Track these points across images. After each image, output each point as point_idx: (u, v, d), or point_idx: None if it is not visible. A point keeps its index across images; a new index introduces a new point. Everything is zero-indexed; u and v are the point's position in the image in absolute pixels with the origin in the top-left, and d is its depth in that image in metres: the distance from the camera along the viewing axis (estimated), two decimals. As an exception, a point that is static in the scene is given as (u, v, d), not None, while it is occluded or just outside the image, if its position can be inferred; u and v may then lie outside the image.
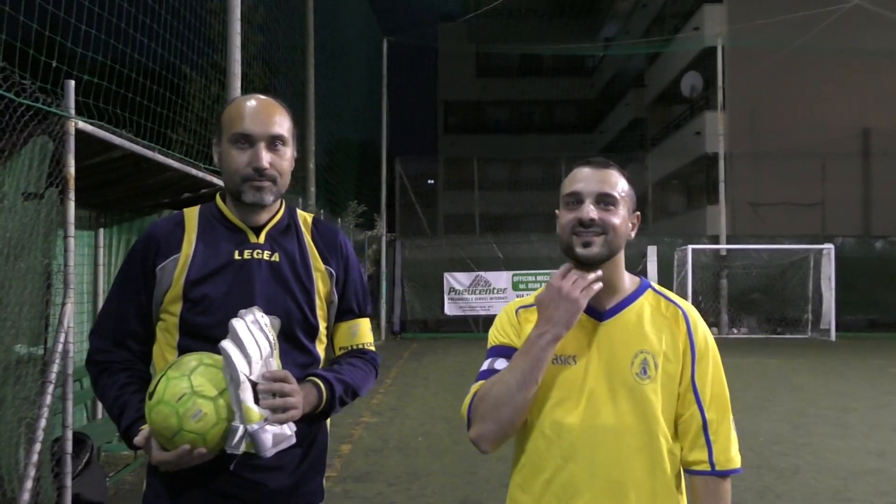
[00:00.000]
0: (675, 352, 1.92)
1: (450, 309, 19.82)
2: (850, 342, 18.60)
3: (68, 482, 4.41)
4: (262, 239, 2.11)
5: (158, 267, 2.04)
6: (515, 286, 19.58)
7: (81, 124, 4.58)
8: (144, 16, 6.14)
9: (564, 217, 1.95)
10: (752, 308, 20.45)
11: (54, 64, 4.48)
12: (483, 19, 32.01)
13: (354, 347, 2.24)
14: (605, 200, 1.93)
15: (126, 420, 1.94)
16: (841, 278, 19.31)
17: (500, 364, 2.00)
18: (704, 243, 20.95)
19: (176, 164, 6.16)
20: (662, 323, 1.96)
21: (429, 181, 27.35)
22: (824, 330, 19.23)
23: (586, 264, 1.92)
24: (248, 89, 15.44)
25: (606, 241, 1.91)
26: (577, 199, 1.94)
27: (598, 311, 1.97)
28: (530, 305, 2.05)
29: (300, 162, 14.92)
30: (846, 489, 6.16)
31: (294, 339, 2.08)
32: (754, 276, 20.40)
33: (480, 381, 1.97)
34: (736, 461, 1.94)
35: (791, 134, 23.88)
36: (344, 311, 2.23)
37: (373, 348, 2.29)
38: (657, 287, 2.05)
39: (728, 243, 20.77)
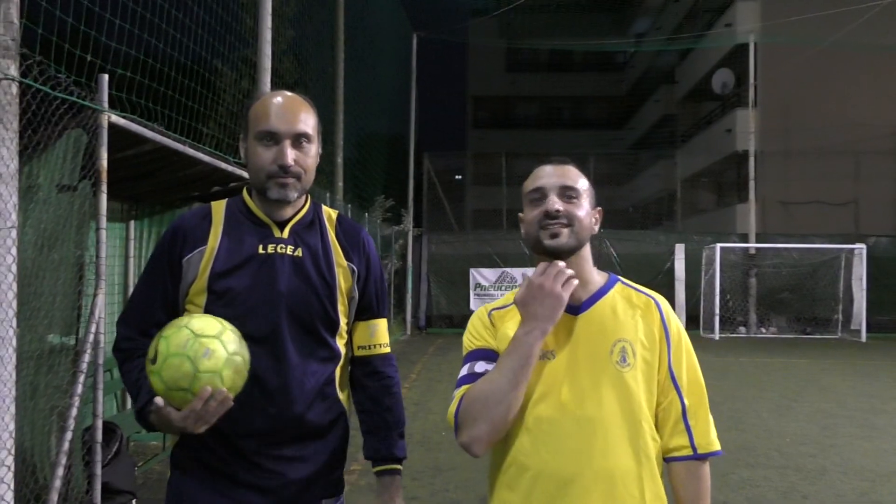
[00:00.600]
0: (650, 340, 1.97)
1: (475, 305, 19.80)
2: (881, 343, 18.35)
3: (98, 470, 4.49)
4: (285, 234, 2.15)
5: (185, 259, 2.09)
6: (542, 282, 19.49)
7: (114, 118, 4.64)
8: (177, 10, 6.21)
9: (529, 214, 2.02)
10: (782, 307, 20.25)
11: (88, 58, 4.54)
12: (513, 14, 31.95)
13: (372, 347, 2.29)
14: (568, 193, 1.99)
15: (141, 400, 1.97)
16: (873, 278, 19.07)
17: (480, 367, 2.02)
18: (734, 241, 20.77)
19: (206, 158, 6.22)
20: (636, 312, 2.00)
21: (456, 176, 27.33)
22: (855, 331, 19.00)
23: (555, 256, 1.96)
24: (278, 84, 15.51)
25: (573, 231, 1.96)
26: (541, 195, 2.00)
27: (572, 306, 1.99)
28: (504, 307, 2.10)
29: (328, 156, 15.01)
30: (873, 491, 6.10)
31: (315, 333, 2.12)
32: (784, 276, 20.19)
33: (464, 386, 1.99)
34: (716, 443, 1.98)
35: (823, 132, 23.57)
36: (363, 309, 2.27)
37: (388, 349, 2.34)
38: (625, 280, 2.10)
39: (758, 242, 20.57)
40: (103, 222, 4.63)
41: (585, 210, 2.00)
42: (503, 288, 19.68)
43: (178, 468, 2.10)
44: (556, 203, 1.96)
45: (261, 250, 2.10)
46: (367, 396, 2.28)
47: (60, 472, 4.15)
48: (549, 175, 2.03)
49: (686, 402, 1.97)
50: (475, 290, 19.82)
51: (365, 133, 18.02)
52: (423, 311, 20.42)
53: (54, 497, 4.11)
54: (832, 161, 23.66)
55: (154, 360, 1.82)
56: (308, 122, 2.11)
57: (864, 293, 18.85)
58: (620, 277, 2.10)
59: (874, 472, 6.63)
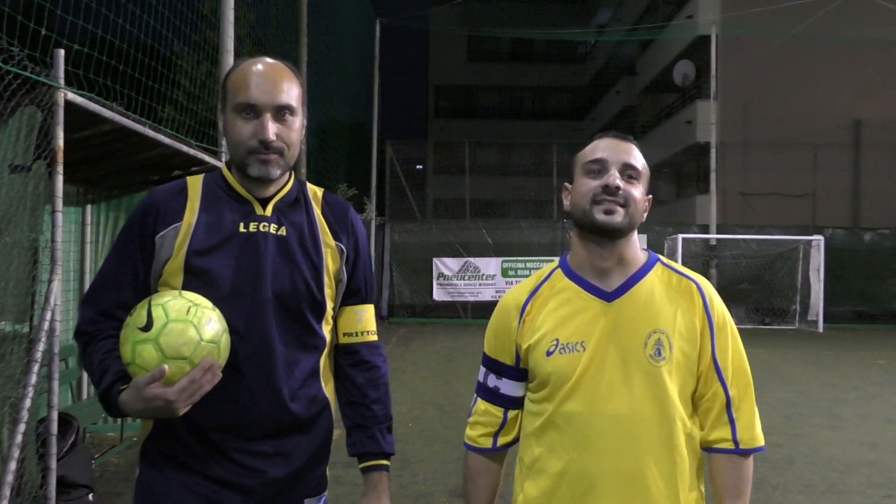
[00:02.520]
0: (690, 330, 1.82)
1: (438, 294, 19.71)
2: (838, 333, 18.62)
3: (53, 464, 4.29)
4: (268, 211, 1.98)
5: (158, 235, 1.91)
6: (505, 273, 19.48)
7: (71, 95, 4.43)
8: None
9: (585, 184, 1.86)
10: (741, 298, 20.43)
11: (43, 31, 4.32)
12: (475, 3, 31.83)
13: (359, 334, 2.14)
14: (629, 172, 1.86)
15: (107, 380, 1.79)
16: (830, 269, 19.33)
17: (492, 381, 1.97)
18: (694, 232, 20.91)
19: (167, 140, 6.02)
20: (675, 298, 1.86)
21: (417, 166, 27.18)
22: (812, 321, 19.25)
23: (604, 235, 1.83)
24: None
25: (628, 213, 1.83)
26: (601, 167, 1.86)
27: (604, 291, 1.86)
28: (537, 289, 1.96)
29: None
30: (841, 481, 6.11)
31: (300, 318, 1.97)
32: (743, 266, 20.38)
33: (479, 401, 2.00)
34: (760, 439, 1.87)
35: (782, 124, 23.86)
36: (351, 293, 2.12)
37: (376, 337, 2.20)
38: (666, 260, 1.95)
39: (718, 233, 20.74)
40: (59, 205, 4.41)
41: (642, 193, 1.87)
42: (466, 278, 19.59)
43: (148, 464, 1.93)
44: (617, 178, 1.82)
45: (242, 229, 1.94)
46: (353, 388, 2.13)
47: (13, 465, 3.95)
48: (611, 148, 1.88)
49: (731, 393, 1.85)
50: (438, 279, 19.71)
51: (327, 120, 17.78)
52: (386, 300, 20.25)
53: (6, 491, 3.92)
54: (791, 153, 23.96)
55: (147, 327, 1.67)
56: (291, 92, 1.93)
57: (822, 284, 19.10)
58: (661, 257, 1.96)
59: (842, 463, 6.66)
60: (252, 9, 15.48)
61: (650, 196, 1.94)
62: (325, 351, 2.06)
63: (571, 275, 1.92)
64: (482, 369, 2.02)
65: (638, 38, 32.70)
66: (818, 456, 6.87)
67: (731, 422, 1.83)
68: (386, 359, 2.22)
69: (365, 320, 2.15)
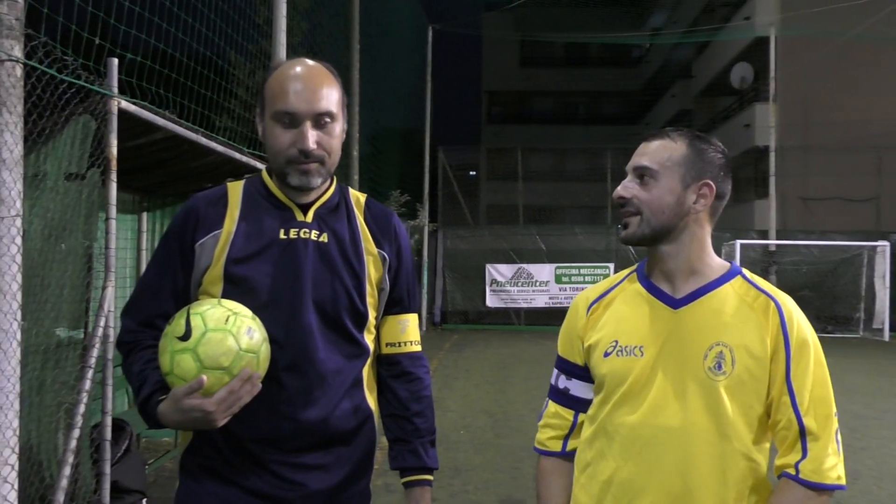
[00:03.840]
0: (761, 348, 1.70)
1: (491, 301, 19.59)
2: (904, 342, 18.04)
3: (107, 469, 4.33)
4: (309, 217, 1.94)
5: (198, 243, 1.88)
6: (558, 279, 19.29)
7: (124, 104, 4.48)
8: (190, -5, 6.04)
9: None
10: (802, 306, 19.16)
11: (97, 41, 4.37)
12: (528, 8, 31.67)
13: (402, 344, 2.08)
14: (642, 173, 1.77)
15: (146, 390, 1.76)
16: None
17: (563, 382, 1.92)
18: (753, 238, 20.46)
19: (219, 148, 6.07)
20: (748, 315, 1.74)
21: (471, 172, 27.13)
22: (877, 329, 18.66)
23: (632, 245, 1.80)
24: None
25: (643, 219, 1.74)
26: (626, 176, 1.82)
27: (672, 298, 1.77)
28: (606, 293, 1.90)
29: (344, 149, 14.82)
30: (910, 496, 5.88)
31: (341, 328, 1.91)
32: (804, 273, 19.86)
33: (551, 403, 1.96)
34: (829, 476, 1.67)
35: (845, 126, 23.18)
36: (393, 302, 2.07)
37: (419, 348, 2.13)
38: (749, 275, 1.83)
39: (777, 238, 20.26)
40: (113, 212, 4.47)
41: (662, 189, 1.74)
42: (519, 284, 19.44)
43: (187, 476, 1.90)
44: (619, 189, 1.76)
45: (282, 235, 1.90)
46: (395, 400, 2.07)
47: (67, 470, 3.99)
48: (638, 153, 1.80)
49: (805, 423, 1.69)
50: (491, 285, 19.60)
51: (380, 127, 17.85)
52: (439, 306, 20.22)
53: (61, 497, 3.96)
54: (853, 156, 23.28)
55: (186, 337, 1.63)
56: (331, 97, 1.88)
57: (888, 291, 18.51)
58: (745, 271, 1.84)
59: (909, 476, 6.40)
60: (305, 18, 15.66)
61: (705, 181, 1.77)
62: (369, 360, 2.01)
63: (643, 279, 1.86)
64: (555, 371, 1.97)
65: (694, 40, 32.19)
66: (885, 470, 6.61)
67: (804, 450, 1.69)
68: (429, 370, 2.15)
69: (408, 330, 2.09)
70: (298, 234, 1.91)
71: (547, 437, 1.96)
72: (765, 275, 19.73)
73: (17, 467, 3.39)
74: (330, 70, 1.94)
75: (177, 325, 1.67)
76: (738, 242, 18.93)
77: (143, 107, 4.75)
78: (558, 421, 1.94)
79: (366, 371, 2.00)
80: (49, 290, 4.15)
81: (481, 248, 20.10)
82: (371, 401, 2.02)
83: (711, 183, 1.78)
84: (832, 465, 1.69)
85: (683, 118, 35.85)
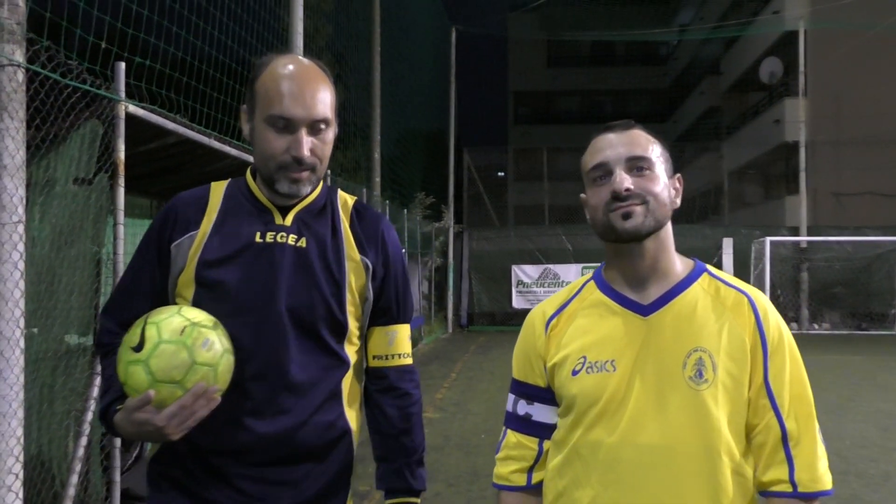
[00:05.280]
0: (739, 349, 1.57)
1: (518, 302, 19.47)
2: (941, 339, 17.66)
3: (117, 477, 4.29)
4: (288, 221, 1.83)
5: (174, 244, 1.80)
6: (585, 279, 19.11)
7: (132, 108, 4.45)
8: (200, -2, 6.01)
9: (595, 196, 1.65)
10: (835, 303, 19.58)
11: (103, 45, 4.34)
12: (553, 7, 31.54)
13: (389, 357, 1.95)
14: (639, 165, 1.62)
15: (107, 398, 1.69)
16: (930, 272, 18.37)
17: (523, 408, 1.75)
18: (783, 235, 20.14)
19: (234, 152, 6.03)
20: (722, 313, 1.60)
21: (498, 172, 27.02)
22: (912, 326, 18.32)
23: (632, 241, 1.62)
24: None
25: (649, 210, 1.60)
26: (605, 171, 1.64)
27: (640, 304, 1.64)
28: (564, 306, 1.74)
29: (366, 152, 14.82)
30: (944, 499, 5.68)
31: (318, 338, 1.80)
32: (837, 270, 19.52)
33: (510, 432, 1.78)
34: (825, 481, 1.56)
35: (877, 120, 22.73)
36: (380, 312, 1.94)
37: (409, 361, 1.99)
38: (714, 270, 1.70)
39: (809, 235, 19.92)
40: (121, 217, 4.43)
41: (662, 182, 1.63)
42: (546, 285, 19.31)
43: (152, 486, 1.81)
44: (625, 180, 1.59)
45: (259, 239, 1.79)
46: (381, 416, 1.94)
47: (75, 479, 3.96)
48: (612, 145, 1.64)
49: (787, 425, 1.56)
50: (517, 287, 19.49)
51: (404, 129, 17.82)
52: (465, 308, 20.14)
53: (70, 504, 3.93)
54: (886, 150, 22.82)
55: (139, 348, 1.55)
56: (327, 101, 1.78)
57: (922, 287, 18.15)
58: (709, 267, 1.71)
59: (944, 478, 6.20)
60: (328, 21, 15.66)
61: (678, 176, 1.71)
62: (350, 373, 1.89)
63: (605, 287, 1.71)
64: (511, 397, 1.79)
65: (722, 35, 31.81)
66: (918, 471, 6.42)
67: (789, 459, 1.56)
68: (419, 385, 2.01)
69: (396, 342, 1.96)
70: (276, 237, 1.81)
71: (509, 470, 1.78)
72: (796, 272, 19.45)
73: (21, 476, 3.35)
74: (324, 70, 1.84)
75: (132, 334, 1.59)
76: (768, 239, 18.65)
77: (151, 110, 4.72)
78: (521, 451, 1.77)
79: (346, 384, 1.87)
80: (57, 296, 4.12)
81: (507, 249, 20.00)
82: (351, 416, 1.89)
83: (680, 177, 1.72)
84: (825, 469, 1.58)
85: (712, 115, 35.49)
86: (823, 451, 1.60)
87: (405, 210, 14.65)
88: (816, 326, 19.63)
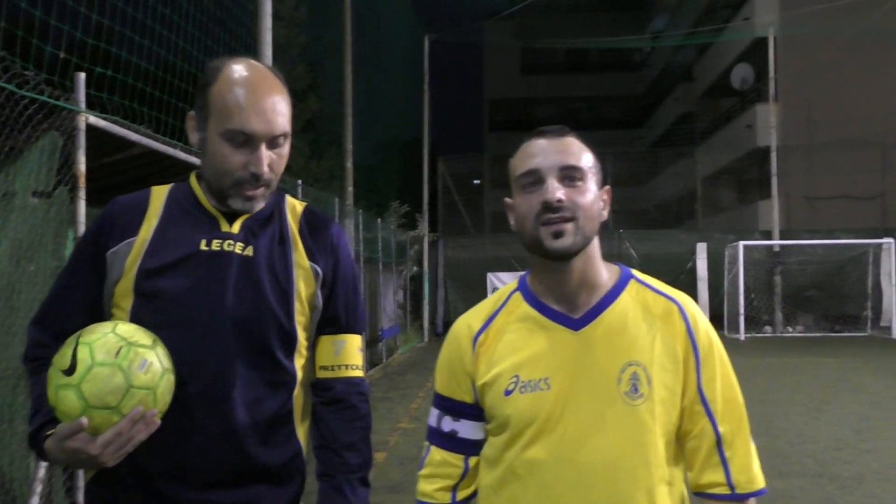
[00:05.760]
0: (672, 359, 1.54)
1: (494, 309, 19.43)
2: (913, 340, 17.85)
3: (80, 497, 4.20)
4: (236, 228, 1.73)
5: (110, 251, 1.69)
6: (561, 285, 19.13)
7: (93, 119, 4.36)
8: (164, 7, 5.93)
9: (524, 203, 1.57)
10: (808, 305, 19.76)
11: (62, 55, 4.26)
12: (528, 15, 31.66)
13: (336, 368, 1.83)
14: (571, 175, 1.55)
15: (36, 421, 1.58)
16: (902, 274, 18.58)
17: (447, 425, 1.68)
18: (757, 239, 20.31)
19: (199, 162, 5.96)
20: (653, 323, 1.56)
21: (474, 180, 27.00)
22: (885, 328, 18.50)
23: (560, 259, 1.56)
24: (291, 91, 15.27)
25: (577, 227, 1.52)
26: (536, 178, 1.55)
27: (570, 318, 1.58)
28: (492, 318, 1.67)
29: (338, 161, 14.76)
30: (917, 501, 5.70)
31: (266, 351, 1.70)
32: (810, 273, 19.72)
33: (433, 447, 1.70)
34: (759, 480, 1.57)
35: (847, 124, 23.01)
36: (328, 321, 1.83)
37: (359, 373, 1.86)
38: (641, 276, 1.65)
39: (782, 238, 20.10)
40: (82, 230, 4.34)
41: (592, 194, 1.56)
42: (522, 292, 19.29)
43: None
44: (557, 190, 1.52)
45: (204, 246, 1.69)
46: (325, 430, 1.81)
47: (36, 500, 3.86)
48: (544, 152, 1.56)
49: (721, 430, 1.55)
50: (493, 294, 19.47)
51: (379, 138, 17.79)
52: (441, 317, 20.09)
53: (31, 526, 3.84)
54: (857, 154, 23.12)
55: (70, 371, 1.45)
56: (286, 113, 1.69)
57: (894, 289, 18.33)
58: (635, 273, 1.66)
59: (916, 480, 6.23)
60: (303, 31, 15.59)
61: (607, 187, 1.64)
62: (298, 389, 1.79)
63: (532, 299, 1.64)
64: (434, 412, 1.72)
65: (694, 41, 32.11)
66: (891, 473, 6.42)
67: (724, 462, 1.55)
68: (368, 398, 1.90)
69: (344, 352, 1.84)
70: (222, 245, 1.71)
71: (434, 488, 1.71)
72: (770, 275, 19.59)
73: (-22, 498, 3.27)
74: (280, 78, 1.75)
75: (63, 355, 1.49)
76: (741, 244, 18.80)
77: (114, 121, 4.63)
78: (447, 469, 1.70)
79: (296, 400, 1.78)
80: (17, 313, 4.03)
81: (483, 257, 19.99)
82: (301, 434, 1.81)
83: (608, 188, 1.65)
84: (758, 468, 1.58)
85: (686, 121, 35.76)
86: (754, 451, 1.61)
87: (378, 219, 14.58)
88: (790, 329, 19.78)
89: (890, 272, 18.51)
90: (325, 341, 1.84)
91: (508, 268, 19.66)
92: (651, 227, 24.54)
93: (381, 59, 17.56)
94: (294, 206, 1.86)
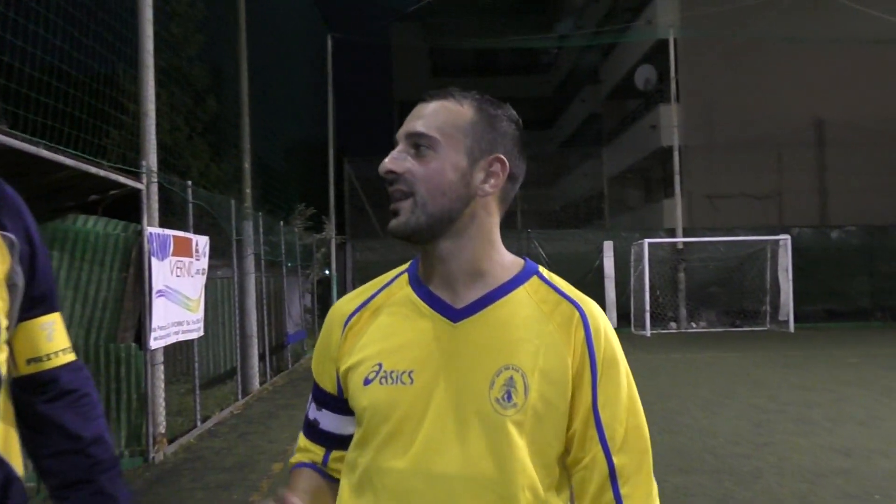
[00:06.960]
0: (560, 370, 1.30)
1: (404, 312, 19.24)
2: (809, 333, 18.43)
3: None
4: None
5: None
6: (471, 286, 19.08)
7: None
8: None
9: None
10: (711, 301, 20.22)
11: None
12: (435, 16, 31.62)
13: (51, 356, 1.53)
14: (416, 143, 1.33)
15: None
16: (798, 269, 19.19)
17: (312, 412, 1.50)
18: (661, 237, 20.67)
19: (70, 162, 5.57)
20: (546, 327, 1.33)
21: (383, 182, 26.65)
22: (783, 321, 19.07)
23: (408, 242, 1.35)
24: (189, 91, 14.74)
25: (416, 203, 1.31)
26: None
27: (451, 308, 1.35)
28: (369, 301, 1.44)
29: (235, 161, 14.28)
30: (812, 493, 5.72)
31: None
32: (712, 269, 20.19)
33: (301, 437, 1.53)
34: None
35: (746, 125, 23.72)
36: (35, 301, 1.51)
37: (73, 356, 1.58)
38: (547, 274, 1.42)
39: (685, 236, 20.51)
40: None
41: (443, 163, 1.32)
42: (431, 293, 19.15)
43: None
44: (386, 162, 1.31)
45: None
46: (57, 432, 1.51)
47: None
48: (413, 116, 1.36)
49: (615, 461, 1.31)
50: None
51: (282, 139, 17.35)
52: (350, 320, 19.76)
53: None
54: (756, 154, 23.82)
55: None
56: None
57: (791, 284, 18.92)
58: (542, 270, 1.42)
59: (812, 472, 6.27)
60: (200, 30, 15.05)
61: (497, 155, 1.37)
62: (3, 394, 1.45)
63: (415, 282, 1.42)
64: (312, 402, 1.53)
65: (598, 41, 32.59)
66: (787, 466, 6.47)
67: (618, 501, 1.31)
68: (94, 382, 1.60)
69: (57, 335, 1.55)
70: None
71: (300, 459, 1.54)
72: (674, 272, 19.94)
73: None
74: None
75: None
76: (646, 241, 19.08)
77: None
78: (309, 455, 1.52)
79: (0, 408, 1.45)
80: None
81: (392, 259, 19.63)
82: (12, 453, 1.45)
83: (504, 158, 1.38)
84: None
85: (594, 121, 36.32)
86: (656, 489, 1.37)
87: (281, 222, 14.17)
88: (694, 325, 20.20)
89: (787, 267, 19.08)
90: (32, 327, 1.52)
91: (417, 270, 19.50)
92: (559, 226, 24.76)
93: (285, 60, 17.13)
94: None
